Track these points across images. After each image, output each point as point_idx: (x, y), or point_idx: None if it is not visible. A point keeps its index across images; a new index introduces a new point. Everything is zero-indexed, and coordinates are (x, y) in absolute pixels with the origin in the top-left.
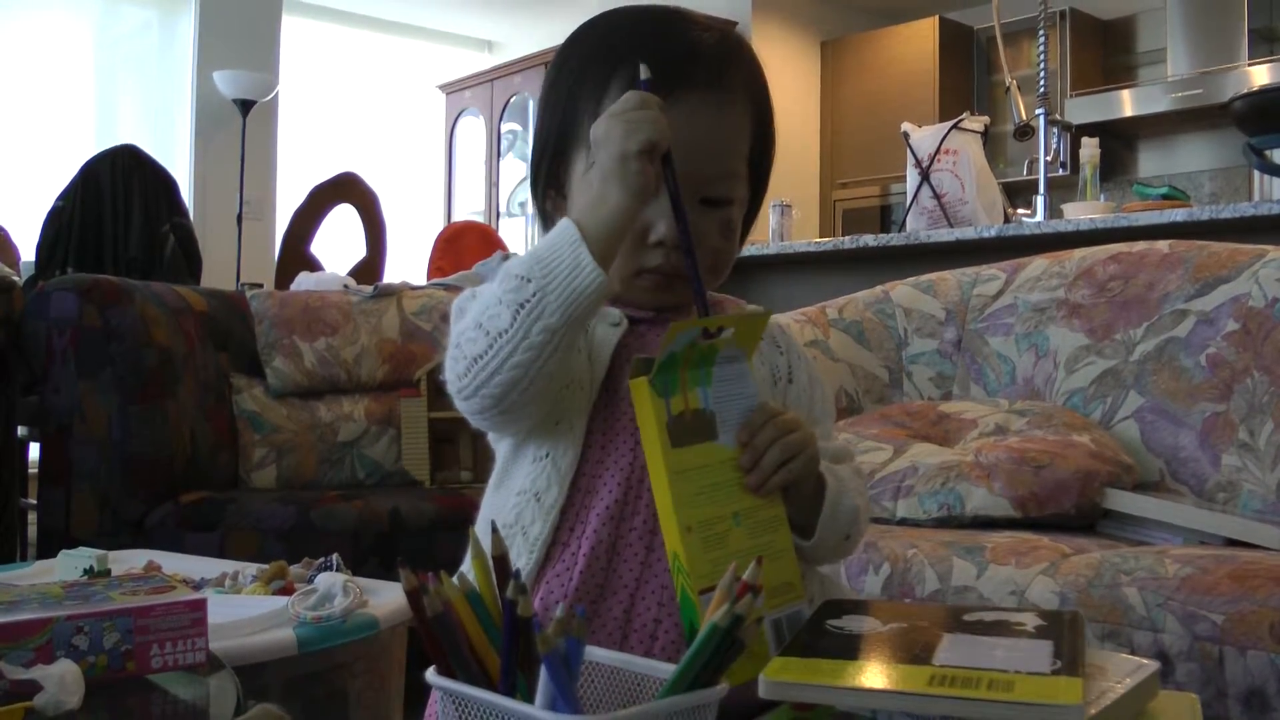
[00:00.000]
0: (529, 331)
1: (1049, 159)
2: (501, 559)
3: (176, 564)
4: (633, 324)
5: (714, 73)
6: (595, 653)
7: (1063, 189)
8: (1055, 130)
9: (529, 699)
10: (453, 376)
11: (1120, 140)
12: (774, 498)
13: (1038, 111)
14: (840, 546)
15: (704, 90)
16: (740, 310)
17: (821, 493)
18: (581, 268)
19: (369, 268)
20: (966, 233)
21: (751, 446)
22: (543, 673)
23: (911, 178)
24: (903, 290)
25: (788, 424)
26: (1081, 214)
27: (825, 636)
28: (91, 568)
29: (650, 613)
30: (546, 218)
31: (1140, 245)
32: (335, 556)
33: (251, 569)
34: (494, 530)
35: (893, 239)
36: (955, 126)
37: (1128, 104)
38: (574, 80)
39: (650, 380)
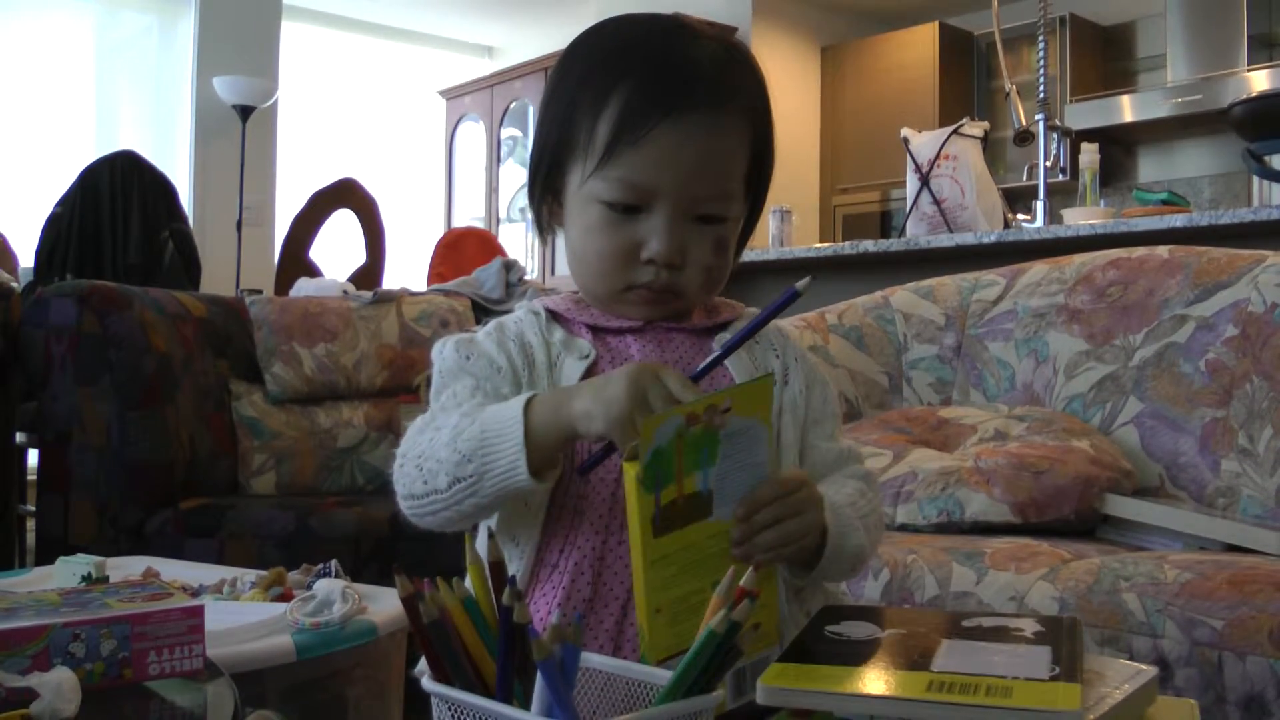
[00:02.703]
0: (461, 501)
1: (1049, 164)
2: (498, 565)
3: (175, 570)
4: (613, 334)
5: (714, 93)
6: (591, 659)
7: (1062, 194)
8: (1055, 136)
9: (526, 706)
10: (395, 488)
11: (1120, 146)
12: None
13: (1037, 117)
14: (842, 577)
15: (703, 111)
16: (736, 314)
17: (823, 538)
18: (516, 472)
19: (368, 273)
20: (966, 238)
21: (748, 523)
22: (539, 679)
23: (911, 183)
24: (902, 296)
25: (793, 506)
26: (1081, 219)
27: (824, 642)
28: (89, 574)
29: None
30: (543, 225)
31: (1140, 251)
32: (334, 563)
33: (250, 575)
34: (490, 536)
35: (892, 244)
36: (955, 132)
37: (1127, 109)
38: (575, 90)
39: (638, 477)
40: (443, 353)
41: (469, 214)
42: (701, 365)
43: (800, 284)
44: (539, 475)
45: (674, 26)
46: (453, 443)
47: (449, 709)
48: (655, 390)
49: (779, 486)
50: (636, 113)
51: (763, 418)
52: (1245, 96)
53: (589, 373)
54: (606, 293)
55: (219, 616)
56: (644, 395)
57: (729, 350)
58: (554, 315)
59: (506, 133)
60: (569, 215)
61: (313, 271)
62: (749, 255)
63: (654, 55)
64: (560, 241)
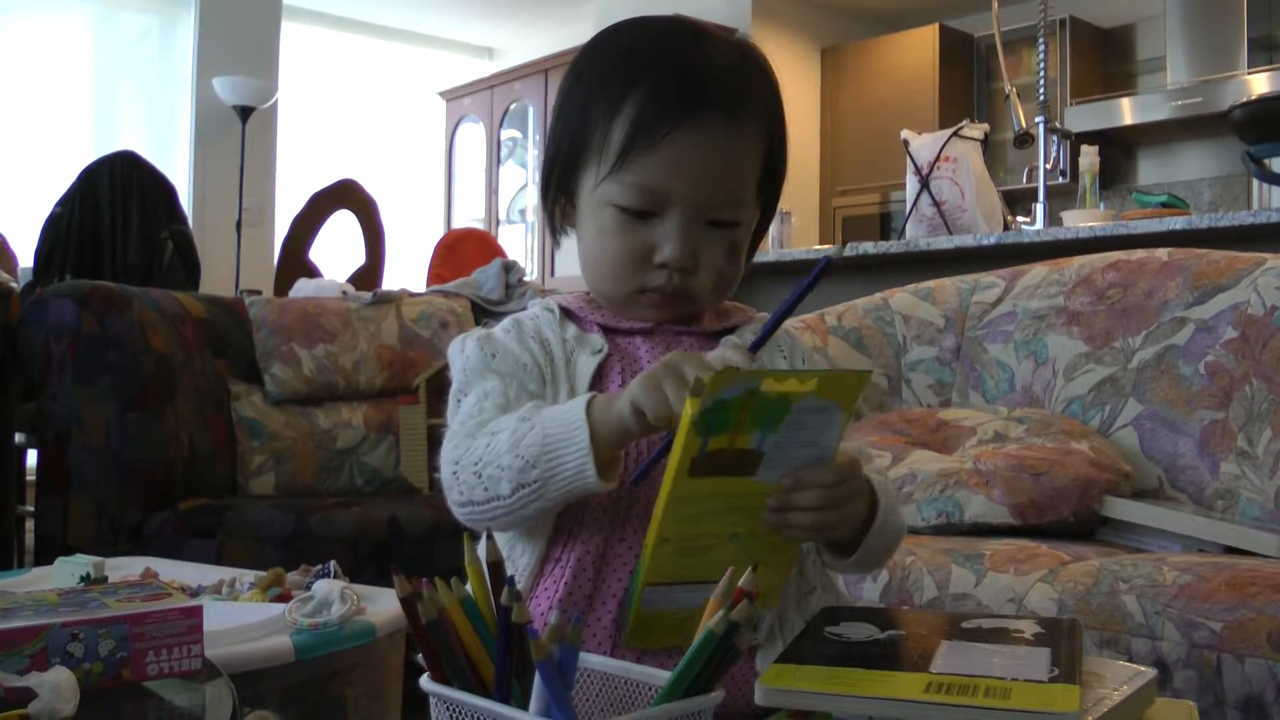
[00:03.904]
0: (525, 506)
1: (1048, 167)
2: (497, 565)
3: (174, 571)
4: (623, 334)
5: (729, 100)
6: (590, 659)
7: (1062, 197)
8: (1055, 138)
9: (524, 706)
10: (449, 495)
11: (1120, 148)
12: None
13: (1037, 119)
14: (878, 561)
15: (717, 118)
16: (747, 317)
17: (871, 512)
18: (584, 476)
19: (368, 274)
20: (966, 240)
21: (788, 497)
22: (537, 680)
23: (911, 185)
24: (902, 297)
25: (837, 498)
26: (1081, 222)
27: (823, 643)
28: (88, 575)
29: None
30: (556, 226)
31: (1139, 253)
32: (333, 563)
33: (249, 576)
34: (489, 537)
35: (892, 246)
36: (955, 134)
37: (1127, 112)
38: (589, 92)
39: (693, 418)
40: (465, 351)
41: (469, 215)
42: (756, 338)
43: (832, 250)
44: (605, 475)
45: (689, 30)
46: (514, 449)
47: (447, 709)
48: (691, 361)
49: (832, 473)
50: (652, 118)
51: (845, 407)
52: (1245, 99)
53: (601, 368)
54: (618, 295)
55: (218, 617)
56: (678, 365)
57: (779, 319)
58: (567, 313)
59: (506, 134)
60: (582, 217)
61: (312, 272)
62: None
63: (670, 60)
64: (562, 243)
